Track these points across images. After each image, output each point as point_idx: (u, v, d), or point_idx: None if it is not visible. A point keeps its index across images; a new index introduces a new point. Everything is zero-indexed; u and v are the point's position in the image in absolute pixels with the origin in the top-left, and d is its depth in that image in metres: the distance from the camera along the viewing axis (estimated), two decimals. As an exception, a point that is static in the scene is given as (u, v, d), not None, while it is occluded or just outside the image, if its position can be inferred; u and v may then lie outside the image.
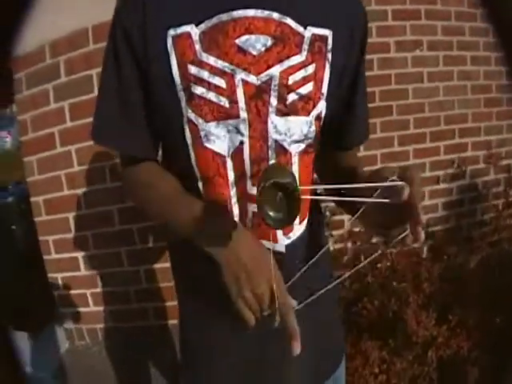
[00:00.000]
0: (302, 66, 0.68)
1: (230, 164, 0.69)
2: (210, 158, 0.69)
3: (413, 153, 2.39)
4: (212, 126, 0.67)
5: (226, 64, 0.66)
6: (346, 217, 2.24)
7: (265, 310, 0.63)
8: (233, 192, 0.70)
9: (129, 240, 2.30)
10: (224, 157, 0.68)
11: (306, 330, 0.77)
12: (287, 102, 0.68)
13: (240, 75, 0.66)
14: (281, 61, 0.67)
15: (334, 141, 0.81)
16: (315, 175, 0.85)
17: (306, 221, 0.77)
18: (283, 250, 0.74)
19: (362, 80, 0.79)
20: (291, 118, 0.68)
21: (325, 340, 0.86)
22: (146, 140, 0.75)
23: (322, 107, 0.71)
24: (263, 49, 0.66)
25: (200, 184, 0.71)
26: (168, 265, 2.33)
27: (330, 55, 0.70)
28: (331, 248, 2.15)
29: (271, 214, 0.54)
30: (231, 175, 0.69)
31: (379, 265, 2.07)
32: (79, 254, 2.34)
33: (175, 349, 2.33)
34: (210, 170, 0.69)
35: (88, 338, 2.46)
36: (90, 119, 2.34)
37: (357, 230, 2.15)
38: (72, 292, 2.39)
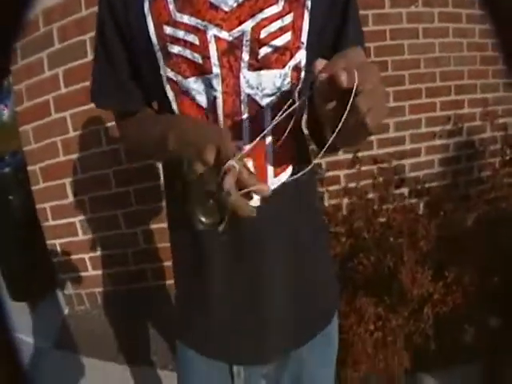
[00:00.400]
0: (279, 16, 0.68)
1: (210, 117, 0.71)
2: (193, 108, 0.71)
3: (408, 108, 2.38)
4: (191, 82, 0.69)
5: (199, 21, 0.66)
6: (341, 172, 2.25)
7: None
8: None
9: (125, 202, 2.32)
10: (204, 109, 0.70)
11: (293, 286, 0.80)
12: (259, 57, 0.68)
13: (212, 31, 0.66)
14: (253, 15, 0.67)
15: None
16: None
17: (287, 171, 0.77)
18: (258, 204, 0.72)
19: (353, 20, 0.76)
20: (263, 72, 0.68)
21: (313, 297, 0.87)
22: (134, 95, 0.79)
23: (300, 57, 0.70)
24: (235, 4, 0.66)
25: None
26: (164, 225, 2.36)
27: (309, 3, 0.70)
28: (326, 204, 2.16)
29: (202, 218, 0.59)
30: None
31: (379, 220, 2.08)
32: (77, 219, 2.36)
33: (173, 309, 2.37)
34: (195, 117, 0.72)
35: (87, 302, 2.49)
36: (84, 84, 2.33)
37: (352, 185, 2.16)
38: (71, 257, 2.41)
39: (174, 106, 0.72)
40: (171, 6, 0.67)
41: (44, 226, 2.36)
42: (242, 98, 0.69)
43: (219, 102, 0.69)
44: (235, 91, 0.68)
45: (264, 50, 0.68)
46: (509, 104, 2.57)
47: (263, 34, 0.67)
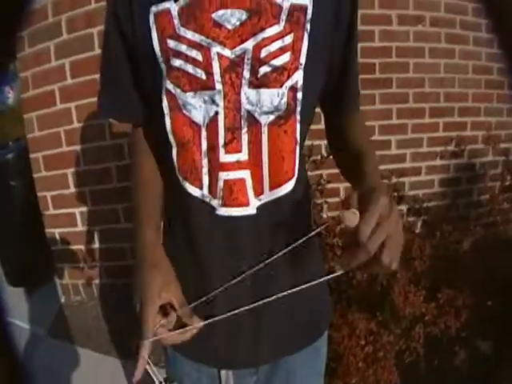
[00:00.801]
0: (280, 36, 0.70)
1: (204, 134, 0.72)
2: (187, 126, 0.73)
3: (411, 127, 2.40)
4: (189, 96, 0.71)
5: (203, 38, 0.69)
6: (341, 184, 2.27)
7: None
8: (204, 162, 0.74)
9: (126, 197, 2.33)
10: (199, 126, 0.72)
11: (290, 294, 0.80)
12: (259, 75, 0.70)
13: (216, 48, 0.69)
14: (254, 34, 0.69)
15: (330, 107, 0.86)
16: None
17: (288, 184, 0.79)
18: (254, 212, 0.77)
19: (354, 49, 0.81)
20: (262, 90, 0.71)
21: (308, 307, 0.88)
22: (135, 107, 0.82)
23: (298, 77, 0.72)
24: (238, 23, 0.69)
25: (174, 151, 0.76)
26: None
27: (308, 26, 0.72)
28: (325, 215, 2.17)
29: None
30: (204, 145, 0.73)
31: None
32: (77, 210, 2.39)
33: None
34: (185, 136, 0.73)
35: (84, 293, 2.52)
36: (91, 77, 2.36)
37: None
38: (69, 247, 2.44)
39: (167, 121, 0.74)
40: (176, 21, 0.70)
41: (44, 215, 2.39)
42: (242, 113, 0.71)
43: (221, 117, 0.71)
44: (236, 107, 0.71)
45: (263, 69, 0.70)
46: (511, 129, 2.60)
47: (264, 53, 0.70)
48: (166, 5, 0.70)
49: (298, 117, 0.74)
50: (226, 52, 0.69)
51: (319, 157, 2.10)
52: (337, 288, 1.96)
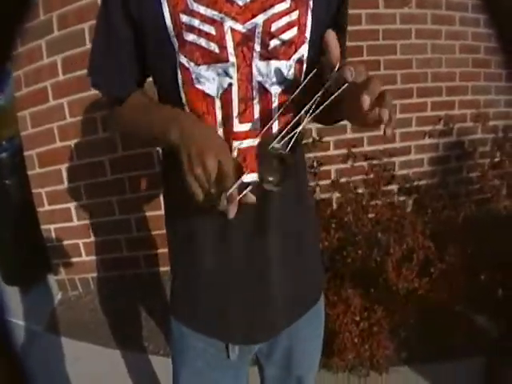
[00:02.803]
0: (287, 12, 0.76)
1: (218, 104, 0.77)
2: (201, 98, 0.76)
3: (399, 107, 2.47)
4: (202, 69, 0.75)
5: (215, 13, 0.73)
6: (332, 167, 2.35)
7: (212, 186, 0.69)
8: (220, 132, 0.78)
9: (120, 189, 2.41)
10: (213, 97, 0.77)
11: (288, 266, 0.88)
12: (269, 48, 0.76)
13: (228, 23, 0.74)
14: (264, 10, 0.75)
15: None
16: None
17: None
18: None
19: (343, 17, 0.88)
20: (272, 62, 0.76)
21: (304, 277, 0.95)
22: (129, 80, 0.85)
23: (303, 51, 0.79)
24: (248, 0, 0.74)
25: None
26: (158, 212, 2.44)
27: (311, 2, 0.79)
28: (317, 198, 2.25)
29: (270, 178, 0.70)
30: (219, 115, 0.78)
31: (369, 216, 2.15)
32: (72, 205, 2.44)
33: (166, 296, 2.44)
34: (200, 108, 0.77)
35: (80, 287, 2.57)
36: (82, 72, 2.39)
37: (343, 180, 2.25)
38: (65, 242, 2.49)
39: (182, 93, 0.77)
40: None
41: (39, 211, 2.44)
42: (253, 84, 0.76)
43: (234, 88, 0.76)
44: (248, 79, 0.76)
45: (273, 42, 0.76)
46: (499, 107, 2.67)
47: (273, 27, 0.75)
48: None
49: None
50: (238, 26, 0.74)
51: (311, 140, 2.18)
52: (331, 266, 2.04)
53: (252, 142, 0.79)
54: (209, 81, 0.76)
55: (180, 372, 0.96)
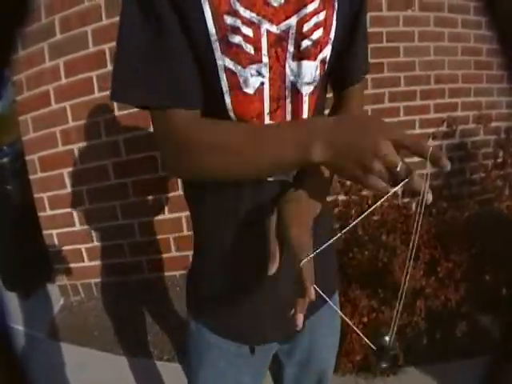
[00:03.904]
0: (316, 12, 0.77)
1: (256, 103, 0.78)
2: (248, 101, 0.76)
3: (403, 110, 2.52)
4: (247, 71, 0.75)
5: (254, 15, 0.74)
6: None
7: (400, 167, 0.59)
8: None
9: (123, 193, 2.42)
10: (251, 97, 0.77)
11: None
12: (301, 48, 0.77)
13: (265, 26, 0.74)
14: (297, 11, 0.76)
15: (337, 80, 0.93)
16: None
17: None
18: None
19: (363, 21, 0.89)
20: (303, 63, 0.78)
21: (324, 268, 0.96)
22: (195, 89, 0.76)
23: (327, 52, 0.80)
24: (283, 1, 0.75)
25: None
26: (161, 217, 2.45)
27: (336, 4, 0.80)
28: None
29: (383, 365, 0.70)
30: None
31: (374, 217, 2.18)
32: (74, 210, 2.46)
33: (170, 300, 2.46)
34: (248, 113, 0.77)
35: (83, 293, 2.59)
36: (85, 75, 2.39)
37: (348, 181, 2.28)
38: (67, 248, 2.51)
39: (227, 99, 0.76)
40: None
41: (41, 216, 2.46)
42: (286, 84, 0.78)
43: (266, 87, 0.77)
44: (281, 78, 0.77)
45: (305, 43, 0.77)
46: (502, 109, 2.72)
47: (305, 27, 0.77)
48: None
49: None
50: (273, 28, 0.75)
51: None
52: (338, 267, 2.06)
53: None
54: (250, 82, 0.76)
55: (200, 373, 0.96)
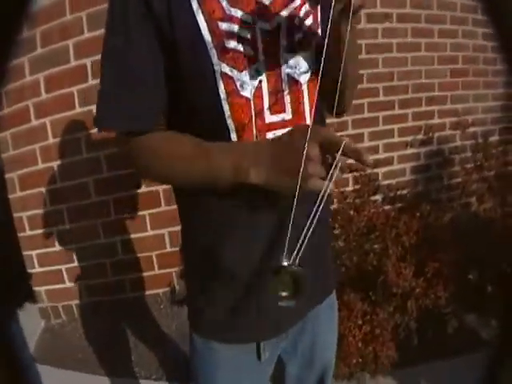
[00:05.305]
0: (303, 3, 0.82)
1: (252, 105, 0.79)
2: (244, 105, 0.78)
3: (382, 119, 2.63)
4: (243, 75, 0.77)
5: (248, 15, 0.75)
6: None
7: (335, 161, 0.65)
8: (252, 126, 0.81)
9: (104, 211, 2.42)
10: (249, 99, 0.78)
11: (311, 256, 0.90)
12: (294, 40, 0.81)
13: (259, 25, 0.78)
14: (286, 5, 0.80)
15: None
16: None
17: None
18: None
19: None
20: (297, 54, 0.82)
21: (324, 265, 1.01)
22: (155, 110, 0.81)
23: (319, 37, 0.84)
24: None
25: (233, 135, 0.80)
26: (143, 234, 2.45)
27: None
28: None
29: (283, 294, 0.67)
30: (252, 112, 0.79)
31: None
32: (54, 229, 2.43)
33: (153, 319, 2.46)
34: (245, 118, 0.78)
35: (64, 315, 2.55)
36: (66, 90, 2.37)
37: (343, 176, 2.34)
38: (47, 269, 2.47)
39: (225, 105, 0.78)
40: (224, 3, 0.74)
41: (21, 237, 2.42)
42: (282, 77, 0.81)
43: (264, 84, 0.80)
44: (277, 72, 0.80)
45: (297, 35, 0.81)
46: (477, 114, 2.86)
47: (296, 19, 0.81)
48: None
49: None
50: (266, 25, 0.78)
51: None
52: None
53: (285, 132, 0.79)
54: (248, 85, 0.78)
55: None
